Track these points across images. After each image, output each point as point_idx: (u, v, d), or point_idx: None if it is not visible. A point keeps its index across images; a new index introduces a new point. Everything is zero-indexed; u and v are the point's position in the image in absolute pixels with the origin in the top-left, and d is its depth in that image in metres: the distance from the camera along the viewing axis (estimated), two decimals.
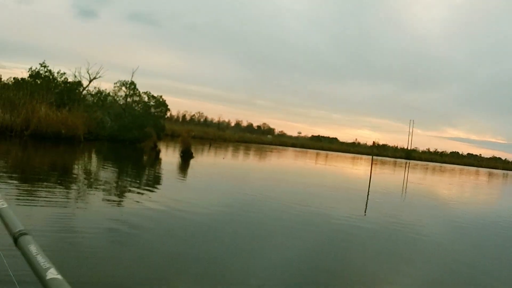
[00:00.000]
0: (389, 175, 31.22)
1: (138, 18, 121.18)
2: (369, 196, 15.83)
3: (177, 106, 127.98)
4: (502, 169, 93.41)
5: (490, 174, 58.67)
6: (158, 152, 26.76)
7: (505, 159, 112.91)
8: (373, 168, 25.09)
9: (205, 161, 25.79)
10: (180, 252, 6.09)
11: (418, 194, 19.64)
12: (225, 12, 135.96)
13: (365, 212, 12.08)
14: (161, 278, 4.96)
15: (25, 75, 29.76)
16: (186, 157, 23.66)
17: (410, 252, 7.82)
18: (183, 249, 6.26)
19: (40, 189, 9.79)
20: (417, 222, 11.17)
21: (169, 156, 26.40)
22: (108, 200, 9.45)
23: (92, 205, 8.63)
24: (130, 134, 29.32)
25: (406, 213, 12.89)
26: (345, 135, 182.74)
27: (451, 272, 6.75)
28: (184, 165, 20.37)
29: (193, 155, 24.63)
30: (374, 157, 72.66)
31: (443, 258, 7.57)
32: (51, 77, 29.95)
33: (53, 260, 1.12)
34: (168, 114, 44.89)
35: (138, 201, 9.69)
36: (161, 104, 35.13)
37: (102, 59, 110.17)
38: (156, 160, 22.58)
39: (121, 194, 10.56)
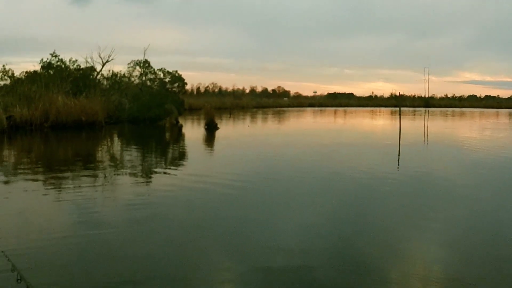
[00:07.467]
0: (412, 125, 30.17)
1: None
2: (400, 148, 15.37)
3: (190, 79, 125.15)
4: None
5: (511, 115, 56.39)
6: (181, 127, 26.17)
7: None
8: (393, 119, 23.87)
9: (230, 131, 25.16)
10: (208, 218, 6.47)
11: (442, 141, 19.35)
12: None
13: (397, 165, 11.85)
14: (190, 240, 5.47)
15: (37, 67, 29.24)
16: (211, 129, 23.01)
17: (435, 204, 7.66)
18: (212, 215, 6.65)
19: (67, 179, 9.63)
20: (443, 171, 11.06)
21: (193, 130, 25.85)
22: (136, 181, 9.42)
23: (120, 188, 8.64)
24: (150, 113, 28.64)
25: (434, 163, 12.57)
26: (361, 90, 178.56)
27: (475, 224, 6.49)
28: (210, 138, 19.76)
29: (218, 126, 23.97)
30: (393, 108, 70.53)
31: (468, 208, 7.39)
32: (63, 66, 29.32)
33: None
34: None
35: (167, 179, 9.49)
36: (178, 79, 34.19)
37: (109, 43, 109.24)
38: (180, 136, 21.99)
39: (148, 174, 10.48)
